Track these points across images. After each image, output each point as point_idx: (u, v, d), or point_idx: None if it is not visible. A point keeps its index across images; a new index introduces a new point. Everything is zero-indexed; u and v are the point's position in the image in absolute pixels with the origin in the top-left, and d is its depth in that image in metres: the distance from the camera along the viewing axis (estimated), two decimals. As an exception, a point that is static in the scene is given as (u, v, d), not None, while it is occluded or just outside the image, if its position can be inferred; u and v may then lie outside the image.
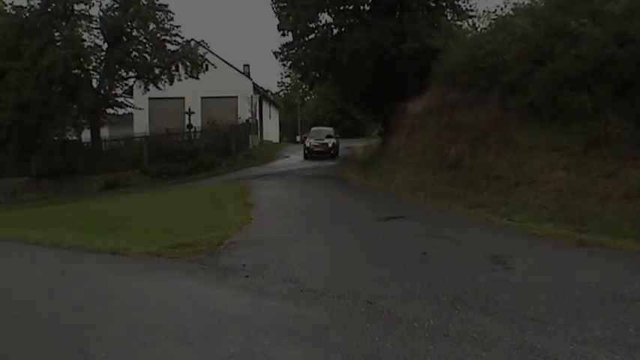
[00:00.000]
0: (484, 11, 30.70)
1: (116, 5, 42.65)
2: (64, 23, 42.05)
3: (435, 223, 17.12)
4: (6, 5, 47.56)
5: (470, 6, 36.87)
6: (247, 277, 11.60)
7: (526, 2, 24.99)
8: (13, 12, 43.85)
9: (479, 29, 30.18)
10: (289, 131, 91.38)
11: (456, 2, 36.58)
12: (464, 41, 28.52)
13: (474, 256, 12.45)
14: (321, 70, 39.46)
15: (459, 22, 37.08)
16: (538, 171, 19.30)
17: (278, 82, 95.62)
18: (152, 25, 43.18)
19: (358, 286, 10.33)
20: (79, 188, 42.21)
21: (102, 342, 8.27)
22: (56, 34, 42.00)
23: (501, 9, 26.32)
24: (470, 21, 35.07)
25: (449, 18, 37.36)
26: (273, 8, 38.31)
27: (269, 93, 74.67)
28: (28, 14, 42.15)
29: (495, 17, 26.25)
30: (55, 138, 45.75)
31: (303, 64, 39.02)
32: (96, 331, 8.83)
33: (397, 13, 35.93)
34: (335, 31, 37.67)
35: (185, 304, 10.14)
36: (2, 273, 14.23)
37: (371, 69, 34.76)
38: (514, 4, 25.47)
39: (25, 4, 43.15)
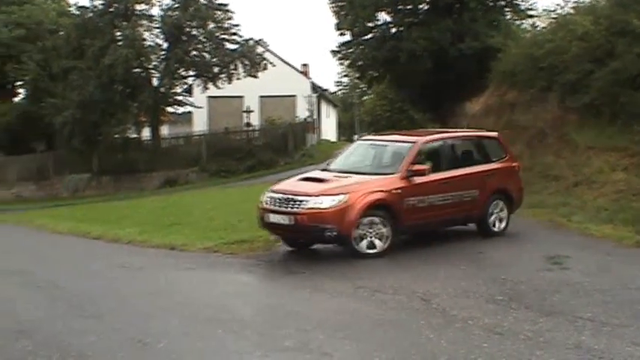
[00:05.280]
0: (544, 10, 30.29)
1: (176, 5, 43.12)
2: (125, 23, 42.70)
3: (491, 222, 17.04)
4: (70, 6, 48.68)
5: (529, 5, 36.54)
6: (304, 273, 11.70)
7: (587, 0, 24.69)
8: (78, 12, 44.80)
9: (538, 28, 29.88)
10: (347, 130, 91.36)
11: (515, 1, 36.26)
12: (523, 40, 28.28)
13: (530, 257, 12.39)
14: (379, 70, 39.37)
15: (518, 22, 36.76)
16: (597, 172, 19.07)
17: (335, 82, 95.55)
18: (211, 25, 43.53)
19: (413, 284, 10.37)
20: (138, 185, 42.84)
21: (160, 333, 8.43)
22: (118, 33, 42.67)
23: (561, 7, 26.02)
24: (529, 20, 34.73)
25: (508, 17, 37.07)
26: (330, 8, 38.38)
27: (327, 92, 74.73)
28: (91, 14, 42.91)
29: (555, 16, 25.96)
30: (116, 136, 46.48)
31: (361, 63, 38.99)
32: (155, 323, 9.01)
33: (456, 13, 35.73)
34: (393, 30, 37.59)
35: (242, 299, 10.29)
36: (65, 266, 14.54)
37: (429, 68, 34.60)
38: (575, 2, 25.18)
39: (88, 4, 43.95)
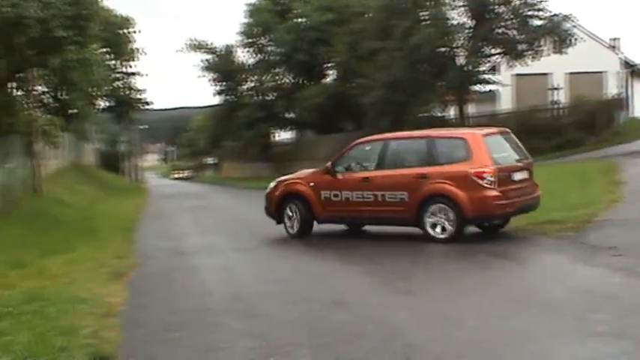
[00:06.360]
0: None
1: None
2: (429, 3, 43.15)
3: None
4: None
5: None
6: (619, 255, 11.31)
7: None
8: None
9: None
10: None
11: None
12: None
13: None
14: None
15: None
16: None
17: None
18: (517, 1, 42.74)
19: None
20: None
21: (470, 311, 8.68)
22: (422, 13, 43.19)
23: None
24: None
25: None
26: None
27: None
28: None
29: None
30: (424, 114, 47.12)
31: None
32: (465, 301, 9.25)
33: None
34: None
35: (552, 281, 10.20)
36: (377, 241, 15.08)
37: None
38: None
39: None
